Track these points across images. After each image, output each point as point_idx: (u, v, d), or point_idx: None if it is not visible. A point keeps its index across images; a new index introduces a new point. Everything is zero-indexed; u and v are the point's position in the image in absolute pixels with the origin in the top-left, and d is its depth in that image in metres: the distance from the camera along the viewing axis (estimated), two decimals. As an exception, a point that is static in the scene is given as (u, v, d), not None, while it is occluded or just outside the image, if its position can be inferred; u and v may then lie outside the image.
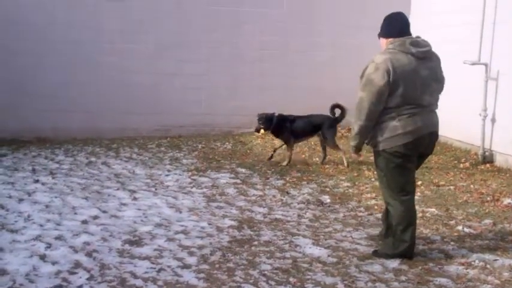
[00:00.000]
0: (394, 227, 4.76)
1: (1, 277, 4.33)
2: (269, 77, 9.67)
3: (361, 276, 4.46)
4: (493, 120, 8.16)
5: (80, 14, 9.28)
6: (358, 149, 4.86)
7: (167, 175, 7.40)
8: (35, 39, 9.17)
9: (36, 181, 6.95)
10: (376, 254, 4.85)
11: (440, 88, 4.84)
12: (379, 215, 5.90)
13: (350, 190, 6.87)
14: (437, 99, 4.81)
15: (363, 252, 4.92)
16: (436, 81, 4.74)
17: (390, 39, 4.70)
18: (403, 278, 4.45)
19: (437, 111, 4.82)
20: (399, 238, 4.74)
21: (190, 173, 7.50)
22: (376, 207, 6.19)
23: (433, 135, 4.79)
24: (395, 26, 4.73)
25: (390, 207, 4.78)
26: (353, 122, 4.74)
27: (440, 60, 4.80)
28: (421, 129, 4.63)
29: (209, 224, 5.59)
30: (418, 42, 4.63)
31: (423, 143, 4.70)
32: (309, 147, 9.04)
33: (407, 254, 4.74)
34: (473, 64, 8.22)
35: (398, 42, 4.61)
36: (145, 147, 9.02)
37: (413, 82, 4.56)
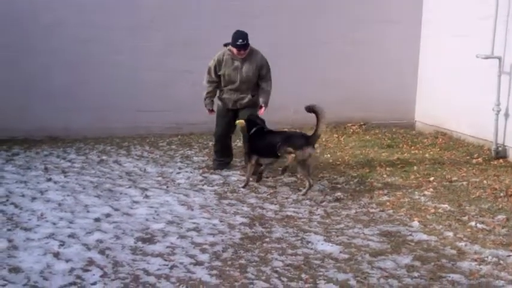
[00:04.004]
0: None
1: (16, 275, 4.37)
2: (280, 72, 9.64)
3: (374, 273, 4.46)
4: (507, 115, 8.10)
5: (89, 12, 9.29)
6: None
7: (178, 173, 7.42)
8: (45, 39, 9.18)
9: (49, 180, 6.99)
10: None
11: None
12: (392, 212, 5.91)
13: (361, 186, 6.85)
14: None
15: (375, 249, 4.92)
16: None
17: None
18: (415, 274, 4.44)
19: None
20: None
21: (201, 171, 7.51)
22: (388, 203, 6.17)
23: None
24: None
25: None
26: None
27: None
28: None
29: (221, 221, 5.60)
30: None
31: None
32: (319, 144, 9.00)
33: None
34: (486, 58, 8.16)
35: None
36: (157, 145, 9.04)
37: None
